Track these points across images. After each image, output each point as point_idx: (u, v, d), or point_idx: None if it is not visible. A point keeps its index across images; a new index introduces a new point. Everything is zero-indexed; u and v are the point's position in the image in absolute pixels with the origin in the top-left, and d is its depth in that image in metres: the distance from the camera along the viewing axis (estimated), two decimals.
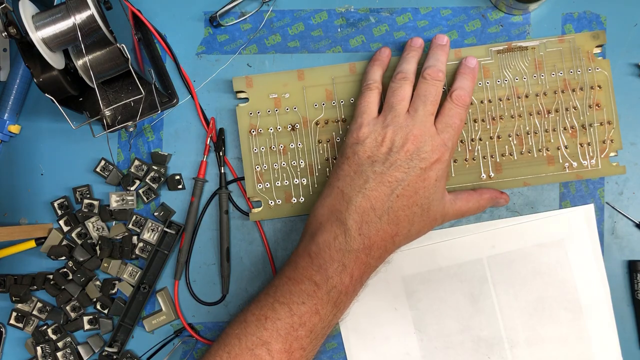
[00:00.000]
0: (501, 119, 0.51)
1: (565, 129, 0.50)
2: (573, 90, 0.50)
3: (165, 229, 0.52)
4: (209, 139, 0.53)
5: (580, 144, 0.50)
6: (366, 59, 0.53)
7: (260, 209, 0.52)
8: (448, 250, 0.52)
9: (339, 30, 0.53)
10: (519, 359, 0.51)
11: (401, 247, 0.46)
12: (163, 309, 0.53)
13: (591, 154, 0.51)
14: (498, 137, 0.51)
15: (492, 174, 0.51)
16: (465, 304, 0.52)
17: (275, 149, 0.51)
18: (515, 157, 0.51)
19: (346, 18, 0.53)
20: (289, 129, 0.51)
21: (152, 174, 0.53)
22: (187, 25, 0.54)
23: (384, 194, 0.44)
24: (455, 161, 0.51)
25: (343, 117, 0.52)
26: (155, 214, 0.53)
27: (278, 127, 0.51)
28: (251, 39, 0.54)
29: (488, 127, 0.51)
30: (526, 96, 0.51)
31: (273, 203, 0.52)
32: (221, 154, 0.53)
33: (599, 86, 0.50)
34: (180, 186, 0.53)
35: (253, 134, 0.51)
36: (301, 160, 0.52)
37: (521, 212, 0.52)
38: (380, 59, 0.50)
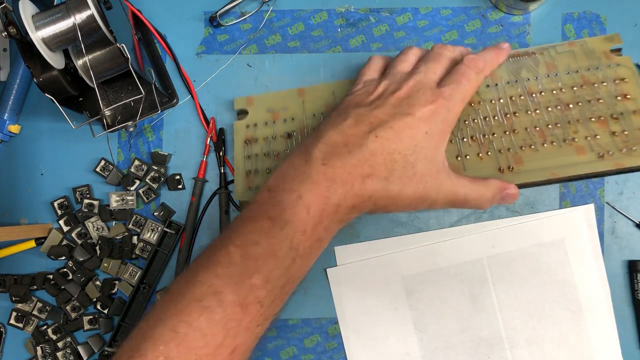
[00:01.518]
0: (515, 114, 0.46)
1: (591, 119, 0.45)
2: (594, 84, 0.46)
3: (165, 229, 0.52)
4: (209, 139, 0.53)
5: (613, 132, 0.44)
6: (365, 59, 0.53)
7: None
8: (448, 250, 0.52)
9: (339, 30, 0.53)
10: (519, 359, 0.51)
11: (378, 206, 0.40)
12: None
13: (629, 142, 0.44)
14: (514, 130, 0.46)
15: (511, 167, 0.45)
16: (465, 304, 0.52)
17: (269, 154, 0.50)
18: (538, 149, 0.45)
19: (346, 18, 0.53)
20: (285, 136, 0.50)
21: (152, 174, 0.53)
22: (187, 25, 0.54)
23: (361, 131, 0.39)
24: (466, 156, 0.46)
25: None
26: (155, 214, 0.53)
27: (274, 135, 0.50)
28: (251, 39, 0.54)
29: (501, 122, 0.46)
30: (541, 93, 0.46)
31: None
32: (221, 154, 0.53)
33: (623, 79, 0.46)
34: (180, 186, 0.53)
35: (248, 143, 0.50)
36: None
37: (521, 212, 0.52)
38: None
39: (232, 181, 0.53)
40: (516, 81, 0.47)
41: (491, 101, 0.47)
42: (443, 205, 0.42)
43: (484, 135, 0.46)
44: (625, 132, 0.44)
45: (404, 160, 0.39)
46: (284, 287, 0.39)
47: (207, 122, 0.53)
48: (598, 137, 0.45)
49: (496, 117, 0.46)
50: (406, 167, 0.39)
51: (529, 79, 0.47)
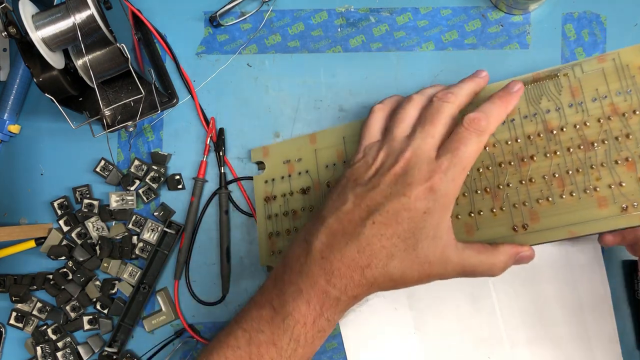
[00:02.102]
0: (532, 158, 0.41)
1: (618, 162, 0.39)
2: (623, 115, 0.40)
3: (165, 229, 0.52)
4: (209, 138, 0.53)
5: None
6: (366, 59, 0.53)
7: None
8: None
9: (339, 30, 0.53)
10: (519, 359, 0.51)
11: (384, 288, 0.40)
12: (163, 309, 0.53)
13: None
14: (530, 179, 0.41)
15: (526, 225, 0.41)
16: (465, 304, 0.52)
17: (288, 214, 0.50)
18: (555, 202, 0.41)
19: (346, 18, 0.53)
20: (301, 192, 0.50)
21: (152, 174, 0.53)
22: (187, 25, 0.54)
23: (358, 217, 0.39)
24: (480, 212, 0.42)
25: None
26: (155, 214, 0.53)
27: (291, 191, 0.50)
28: (251, 38, 0.54)
29: (517, 169, 0.41)
30: (562, 129, 0.41)
31: None
32: (221, 153, 0.53)
33: None
34: (180, 186, 0.53)
35: (267, 201, 0.51)
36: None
37: None
38: (397, 95, 0.47)
39: (232, 181, 0.53)
40: (535, 114, 0.42)
41: (507, 142, 0.42)
42: (454, 277, 0.41)
43: (498, 186, 0.42)
44: None
45: (404, 244, 0.38)
46: None
47: (207, 122, 0.53)
48: (623, 184, 0.39)
49: (512, 163, 0.42)
50: (407, 250, 0.38)
51: (549, 111, 0.42)
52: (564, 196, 0.41)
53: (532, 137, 0.42)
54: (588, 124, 0.41)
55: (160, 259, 0.53)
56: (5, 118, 0.53)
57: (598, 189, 0.40)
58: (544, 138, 0.41)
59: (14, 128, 0.53)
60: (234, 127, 0.53)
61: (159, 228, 0.53)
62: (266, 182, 0.51)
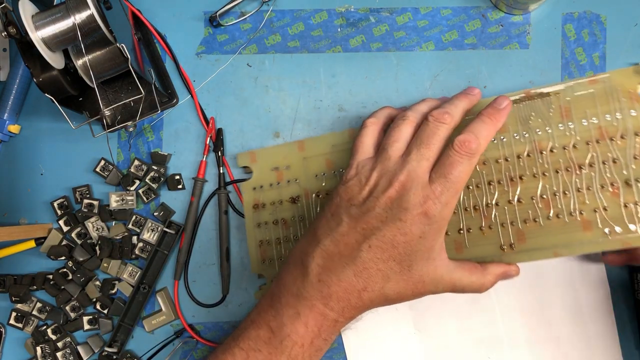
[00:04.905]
0: (521, 179, 0.42)
1: (603, 186, 0.41)
2: (612, 139, 0.41)
3: (165, 229, 0.52)
4: (208, 138, 0.53)
5: (625, 205, 0.41)
6: (366, 59, 0.53)
7: (265, 285, 0.51)
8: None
9: (339, 30, 0.53)
10: (519, 359, 0.51)
11: (379, 306, 0.41)
12: (163, 309, 0.53)
13: None
14: (519, 200, 0.43)
15: (513, 244, 0.43)
16: (465, 304, 0.52)
17: (278, 223, 0.50)
18: (542, 223, 0.42)
19: (346, 18, 0.53)
20: (291, 201, 0.49)
21: (152, 174, 0.53)
22: (187, 25, 0.54)
23: (354, 240, 0.39)
24: (469, 230, 0.43)
25: None
26: (155, 214, 0.53)
27: (280, 200, 0.50)
28: (251, 38, 0.54)
29: (506, 189, 0.43)
30: (551, 150, 0.42)
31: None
32: (220, 154, 0.53)
33: None
34: (180, 186, 0.53)
35: (256, 208, 0.50)
36: (300, 233, 0.49)
37: None
38: (392, 107, 0.47)
39: (232, 182, 0.53)
40: (525, 134, 0.42)
41: (497, 161, 0.43)
42: (444, 292, 0.42)
43: (487, 205, 0.43)
44: (638, 204, 0.41)
45: (399, 267, 0.39)
46: None
47: (207, 122, 0.53)
48: (607, 209, 0.41)
49: (501, 182, 0.43)
50: (402, 272, 0.39)
51: (539, 131, 0.42)
52: (550, 218, 0.42)
53: (521, 156, 0.43)
54: (577, 146, 0.42)
55: (160, 259, 0.53)
56: (5, 118, 0.53)
57: (583, 212, 0.41)
58: (533, 158, 0.42)
59: (14, 128, 0.53)
60: (233, 127, 0.53)
61: (159, 228, 0.53)
62: (254, 189, 0.51)
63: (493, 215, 0.43)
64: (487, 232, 0.43)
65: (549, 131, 0.42)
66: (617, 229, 0.41)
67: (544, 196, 0.42)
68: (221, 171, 0.53)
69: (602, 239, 0.41)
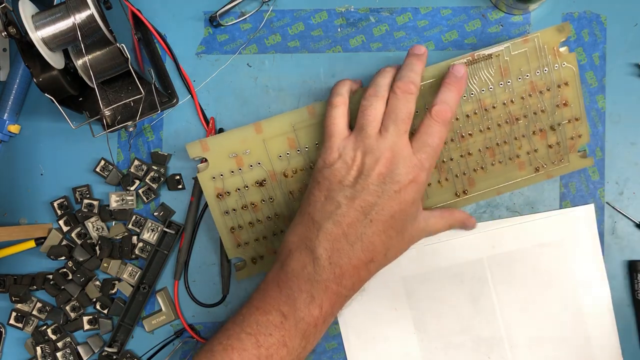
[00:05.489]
0: (470, 135, 0.49)
1: (534, 132, 0.49)
2: (540, 92, 0.48)
3: (165, 229, 0.52)
4: None
5: (550, 145, 0.49)
6: (366, 59, 0.53)
7: (245, 268, 0.51)
8: (448, 250, 0.52)
9: (339, 30, 0.53)
10: (519, 359, 0.51)
11: (379, 270, 0.45)
12: (163, 309, 0.53)
13: (560, 153, 0.50)
14: (469, 153, 0.49)
15: (466, 190, 0.50)
16: (465, 304, 0.52)
17: (247, 207, 0.49)
18: (487, 170, 0.50)
19: (346, 18, 0.53)
20: (257, 185, 0.49)
21: (152, 174, 0.53)
22: (187, 25, 0.54)
23: (356, 219, 0.42)
24: (429, 185, 0.49)
25: (311, 164, 0.49)
26: (155, 214, 0.53)
27: (245, 185, 0.49)
28: (251, 38, 0.54)
29: (458, 145, 0.49)
30: (493, 107, 0.48)
31: (256, 259, 0.51)
32: None
33: (566, 83, 0.48)
34: (180, 186, 0.53)
35: (221, 197, 0.49)
36: (276, 214, 0.50)
37: (521, 212, 0.52)
38: (349, 79, 0.48)
39: None
40: (472, 94, 0.48)
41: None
42: (420, 239, 0.47)
43: (442, 161, 0.49)
44: (559, 143, 0.49)
45: (396, 233, 0.43)
46: None
47: (207, 122, 0.53)
48: (537, 151, 0.49)
49: (454, 140, 0.49)
50: (398, 237, 0.43)
51: (483, 90, 0.48)
52: (494, 164, 0.50)
53: (469, 115, 0.48)
54: (513, 100, 0.48)
55: (160, 259, 0.53)
56: (5, 118, 0.53)
57: (519, 156, 0.49)
58: (479, 115, 0.48)
59: (14, 128, 0.53)
60: (233, 127, 0.53)
61: (159, 228, 0.53)
62: (214, 178, 0.49)
63: (448, 169, 0.49)
64: (444, 183, 0.50)
65: (492, 89, 0.48)
66: (545, 165, 0.50)
67: (488, 147, 0.49)
68: None
69: (533, 175, 0.50)
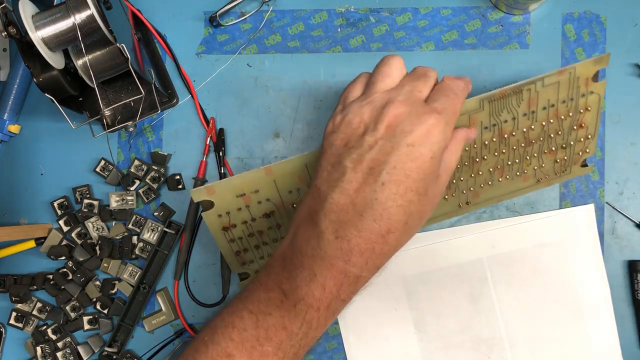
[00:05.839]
0: (484, 158, 0.47)
1: (545, 151, 0.48)
2: (562, 118, 0.46)
3: (165, 229, 0.52)
4: (208, 138, 0.53)
5: (556, 160, 0.49)
6: (366, 59, 0.53)
7: (248, 278, 0.51)
8: (448, 250, 0.52)
9: (339, 30, 0.53)
10: (519, 359, 0.51)
11: (404, 244, 0.38)
12: (163, 309, 0.53)
13: (565, 165, 0.49)
14: (479, 172, 0.48)
15: (469, 201, 0.49)
16: (465, 304, 0.52)
17: (253, 234, 0.48)
18: (494, 184, 0.49)
19: (346, 18, 0.53)
20: (265, 217, 0.47)
21: (152, 174, 0.53)
22: (187, 25, 0.54)
23: (364, 183, 0.35)
24: None
25: None
26: (155, 214, 0.53)
27: (253, 218, 0.46)
28: (251, 38, 0.54)
29: (470, 167, 0.47)
30: (513, 134, 0.46)
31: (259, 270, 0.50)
32: (221, 154, 0.53)
33: (588, 108, 0.46)
34: (180, 186, 0.53)
35: (226, 230, 0.47)
36: (282, 237, 0.47)
37: (521, 212, 0.52)
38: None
39: None
40: (494, 125, 0.45)
41: (465, 149, 0.46)
42: None
43: (452, 181, 0.47)
44: (565, 158, 0.48)
45: (417, 195, 0.36)
46: (297, 354, 0.38)
47: (207, 122, 0.53)
48: (544, 165, 0.48)
49: (466, 164, 0.47)
50: (420, 200, 0.36)
51: (506, 121, 0.45)
52: (500, 180, 0.49)
53: (487, 142, 0.46)
54: (533, 127, 0.46)
55: (160, 259, 0.53)
56: (5, 118, 0.53)
57: (526, 171, 0.49)
58: (497, 142, 0.46)
59: (14, 128, 0.53)
60: (234, 127, 0.53)
61: (159, 228, 0.53)
62: (220, 215, 0.46)
63: (455, 187, 0.48)
64: (450, 198, 0.49)
65: (515, 120, 0.45)
66: (547, 176, 0.49)
67: (499, 167, 0.48)
68: (222, 171, 0.53)
69: (534, 184, 0.50)
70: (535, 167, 0.49)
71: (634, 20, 0.52)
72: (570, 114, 0.46)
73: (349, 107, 0.38)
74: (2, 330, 0.54)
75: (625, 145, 0.52)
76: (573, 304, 0.51)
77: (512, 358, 0.51)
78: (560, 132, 0.47)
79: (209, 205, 0.45)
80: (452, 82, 0.39)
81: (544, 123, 0.46)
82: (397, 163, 0.35)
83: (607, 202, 0.52)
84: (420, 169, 0.36)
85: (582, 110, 0.46)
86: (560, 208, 0.52)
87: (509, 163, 0.47)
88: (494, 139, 0.46)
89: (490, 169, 0.47)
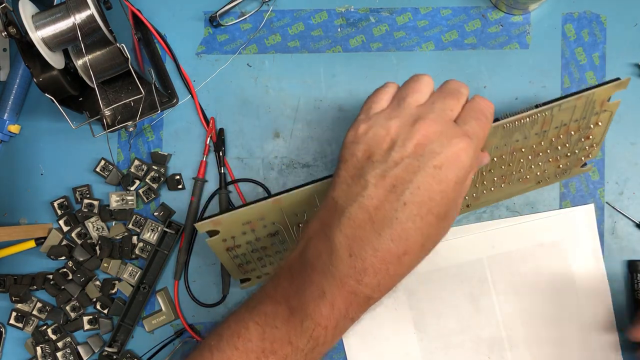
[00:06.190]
0: (490, 171, 0.47)
1: (550, 160, 0.48)
2: (572, 133, 0.46)
3: (165, 229, 0.52)
4: (208, 138, 0.53)
5: (559, 166, 0.49)
6: (366, 59, 0.53)
7: (250, 281, 0.51)
8: (448, 250, 0.52)
9: (339, 30, 0.53)
10: (519, 359, 0.51)
11: (413, 269, 0.37)
12: (163, 309, 0.53)
13: (566, 169, 0.50)
14: (483, 182, 0.48)
15: (469, 205, 0.50)
16: (465, 304, 0.52)
17: (256, 250, 0.47)
18: (495, 189, 0.49)
19: (346, 18, 0.53)
20: (269, 236, 0.46)
21: (152, 174, 0.53)
22: (187, 25, 0.54)
23: (386, 201, 0.34)
24: None
25: None
26: (155, 214, 0.53)
27: (257, 238, 0.46)
28: (251, 38, 0.54)
29: (476, 179, 0.47)
30: (522, 150, 0.46)
31: (261, 276, 0.51)
32: (221, 154, 0.53)
33: (599, 123, 0.46)
34: (180, 186, 0.53)
35: (230, 250, 0.47)
36: (286, 249, 0.48)
37: (521, 212, 0.52)
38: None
39: (232, 182, 0.53)
40: (505, 145, 0.45)
41: None
42: None
43: None
44: (568, 164, 0.49)
45: (436, 219, 0.35)
46: None
47: (207, 122, 0.53)
48: (546, 171, 0.49)
49: (473, 177, 0.45)
50: (439, 224, 0.35)
51: (517, 140, 0.45)
52: (502, 185, 0.49)
53: (496, 159, 0.46)
54: (543, 143, 0.46)
55: (160, 259, 0.53)
56: (5, 118, 0.53)
57: (528, 176, 0.49)
58: (506, 158, 0.46)
59: (14, 128, 0.53)
60: (234, 127, 0.53)
61: (159, 228, 0.53)
62: (224, 240, 0.45)
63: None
64: None
65: (526, 138, 0.45)
66: (548, 178, 0.50)
67: (504, 176, 0.48)
68: (222, 171, 0.53)
69: (533, 185, 0.50)
70: (538, 173, 0.49)
71: (634, 20, 0.52)
72: (581, 130, 0.46)
73: (375, 118, 0.37)
74: (2, 330, 0.54)
75: (625, 145, 0.52)
76: (573, 304, 0.51)
77: (512, 358, 0.51)
78: (567, 144, 0.47)
79: (214, 232, 0.45)
80: (484, 103, 0.38)
81: (553, 139, 0.46)
82: (422, 184, 0.34)
83: (607, 202, 0.52)
84: (444, 193, 0.34)
85: (592, 126, 0.46)
86: (560, 208, 0.52)
87: (514, 173, 0.48)
88: (503, 156, 0.46)
89: (495, 179, 0.48)
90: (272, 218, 0.44)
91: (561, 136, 0.46)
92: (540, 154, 0.47)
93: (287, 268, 0.37)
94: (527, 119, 0.43)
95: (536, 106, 0.43)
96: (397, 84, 0.40)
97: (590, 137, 0.47)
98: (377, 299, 0.36)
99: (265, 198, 0.43)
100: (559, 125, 0.45)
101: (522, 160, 0.47)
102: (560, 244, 0.51)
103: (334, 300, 0.35)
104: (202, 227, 0.44)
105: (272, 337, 0.36)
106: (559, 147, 0.47)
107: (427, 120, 0.35)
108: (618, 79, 0.44)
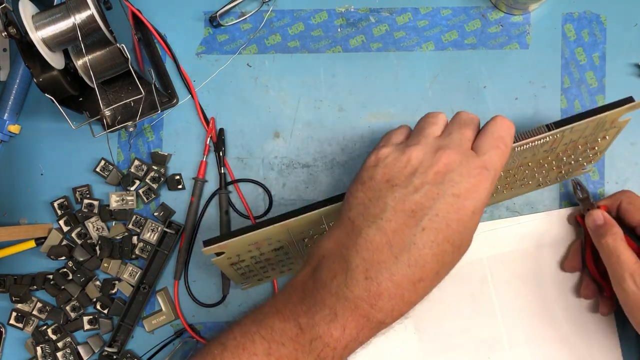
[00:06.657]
0: (497, 186, 0.47)
1: (554, 169, 0.48)
2: (579, 147, 0.46)
3: (165, 229, 0.52)
4: (208, 139, 0.53)
5: (561, 172, 0.49)
6: (366, 59, 0.53)
7: (250, 283, 0.51)
8: None
9: (339, 30, 0.53)
10: (519, 359, 0.51)
11: (425, 297, 0.37)
12: (163, 309, 0.53)
13: (567, 173, 0.50)
14: None
15: None
16: (465, 304, 0.52)
17: (260, 261, 0.47)
18: (495, 195, 0.49)
19: (346, 18, 0.53)
20: (274, 251, 0.46)
21: (152, 174, 0.53)
22: (187, 25, 0.54)
23: (405, 225, 0.34)
24: None
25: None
26: (155, 214, 0.53)
27: (262, 253, 0.46)
28: (251, 38, 0.54)
29: None
30: (529, 164, 0.46)
31: (263, 279, 0.51)
32: (221, 154, 0.53)
33: (606, 137, 0.46)
34: (180, 186, 0.53)
35: (234, 264, 0.46)
36: (289, 258, 0.48)
37: (521, 212, 0.52)
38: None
39: (232, 182, 0.53)
40: (513, 161, 0.45)
41: None
42: None
43: None
44: (571, 170, 0.49)
45: (452, 247, 0.35)
46: None
47: (207, 122, 0.53)
48: (548, 176, 0.49)
49: None
50: (454, 251, 0.36)
51: (526, 157, 0.45)
52: (505, 191, 0.49)
53: (503, 173, 0.46)
54: (549, 157, 0.46)
55: (160, 259, 0.53)
56: (5, 118, 0.53)
57: (530, 182, 0.49)
58: (512, 171, 0.46)
59: (14, 128, 0.53)
60: (234, 127, 0.53)
61: (159, 228, 0.53)
62: (230, 258, 0.45)
63: None
64: None
65: (534, 155, 0.45)
66: (548, 180, 0.50)
67: (507, 185, 0.48)
68: (222, 171, 0.53)
69: (534, 188, 0.51)
70: (541, 179, 0.49)
71: (634, 20, 0.52)
72: (588, 144, 0.46)
73: (398, 145, 0.38)
74: (2, 330, 0.54)
75: (625, 145, 0.52)
76: (573, 304, 0.51)
77: (512, 358, 0.51)
78: (573, 156, 0.47)
79: (219, 253, 0.44)
80: (505, 126, 0.38)
81: (560, 153, 0.46)
82: (440, 211, 0.35)
83: None
84: (461, 221, 0.35)
85: (599, 139, 0.46)
86: (560, 208, 0.52)
87: (517, 181, 0.48)
88: (510, 171, 0.46)
89: (499, 186, 0.48)
90: (278, 237, 0.44)
91: (568, 151, 0.46)
92: (546, 165, 0.47)
93: (298, 284, 0.37)
94: (539, 141, 0.43)
95: (547, 126, 0.42)
96: (409, 126, 0.41)
97: (596, 147, 0.47)
98: (389, 324, 0.36)
99: (272, 221, 0.42)
100: (568, 142, 0.45)
101: (527, 172, 0.47)
102: (560, 244, 0.51)
103: (346, 323, 0.35)
104: (209, 251, 0.43)
105: (279, 354, 0.35)
106: (565, 159, 0.47)
107: (448, 150, 0.36)
108: (631, 98, 0.43)
